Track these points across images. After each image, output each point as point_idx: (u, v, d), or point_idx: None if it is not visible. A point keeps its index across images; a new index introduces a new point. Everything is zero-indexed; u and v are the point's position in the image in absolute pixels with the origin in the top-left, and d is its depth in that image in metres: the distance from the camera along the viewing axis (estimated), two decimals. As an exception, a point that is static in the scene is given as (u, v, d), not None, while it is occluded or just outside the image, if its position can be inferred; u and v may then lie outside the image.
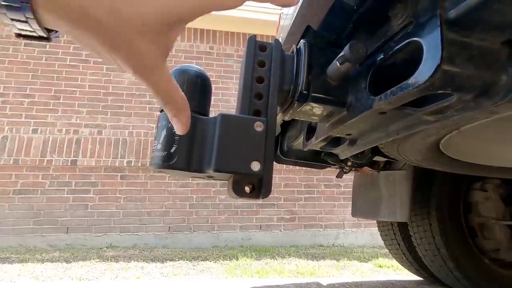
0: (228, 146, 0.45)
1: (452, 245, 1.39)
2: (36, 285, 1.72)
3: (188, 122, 0.34)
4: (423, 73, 0.37)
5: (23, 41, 3.44)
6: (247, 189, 0.48)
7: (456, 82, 0.37)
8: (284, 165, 3.62)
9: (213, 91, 0.55)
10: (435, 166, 1.02)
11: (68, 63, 3.48)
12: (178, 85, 0.31)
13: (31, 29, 0.25)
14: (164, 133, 0.47)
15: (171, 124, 0.48)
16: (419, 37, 0.39)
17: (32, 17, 0.24)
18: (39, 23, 0.24)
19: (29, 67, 3.40)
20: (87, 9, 0.23)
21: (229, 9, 0.29)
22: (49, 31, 0.26)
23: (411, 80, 0.39)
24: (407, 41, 0.41)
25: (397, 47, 0.43)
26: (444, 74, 0.36)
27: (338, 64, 0.47)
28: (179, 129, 0.34)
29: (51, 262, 2.33)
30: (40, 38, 0.27)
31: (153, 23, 0.26)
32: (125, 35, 0.25)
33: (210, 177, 0.51)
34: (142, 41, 0.26)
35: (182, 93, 0.32)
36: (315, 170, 3.68)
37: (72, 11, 0.23)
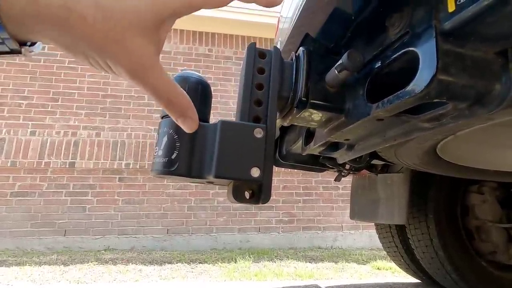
0: (228, 153, 0.46)
1: (449, 247, 1.40)
2: (33, 288, 1.71)
3: (196, 117, 0.30)
4: (419, 83, 0.38)
5: (22, 43, 3.44)
6: (247, 194, 0.49)
7: (451, 91, 0.38)
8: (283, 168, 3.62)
9: (212, 93, 0.56)
10: (432, 169, 1.03)
11: (66, 65, 3.48)
12: (176, 83, 0.29)
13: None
14: (165, 139, 0.48)
15: (172, 131, 0.49)
16: (415, 47, 0.40)
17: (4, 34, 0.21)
18: (12, 34, 0.21)
19: (27, 69, 3.39)
20: (70, 4, 0.21)
21: (219, 7, 0.27)
22: (22, 45, 0.23)
23: (408, 89, 0.39)
24: (403, 50, 0.42)
25: (394, 56, 0.44)
26: (439, 84, 0.37)
27: (336, 71, 0.48)
28: (189, 127, 0.30)
29: (49, 265, 2.32)
30: (11, 52, 0.23)
31: (147, 17, 0.23)
32: (115, 33, 0.22)
33: (210, 182, 0.52)
34: (135, 38, 0.23)
35: (183, 90, 0.29)
36: (313, 172, 3.68)
37: (55, 10, 0.21)
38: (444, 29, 0.37)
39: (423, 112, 0.46)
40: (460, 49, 0.37)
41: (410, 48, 0.40)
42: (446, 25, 0.36)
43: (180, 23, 3.77)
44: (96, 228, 3.16)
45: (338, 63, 0.47)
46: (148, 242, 3.23)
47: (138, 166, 3.37)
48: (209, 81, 0.55)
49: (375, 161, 1.09)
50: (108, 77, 3.56)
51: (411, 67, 0.41)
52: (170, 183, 3.40)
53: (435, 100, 0.39)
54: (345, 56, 0.45)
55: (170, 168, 0.46)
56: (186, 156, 0.46)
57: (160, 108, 0.39)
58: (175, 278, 2.00)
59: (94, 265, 2.34)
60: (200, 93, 0.52)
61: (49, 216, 3.09)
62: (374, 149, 0.65)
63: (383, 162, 1.16)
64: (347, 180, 2.49)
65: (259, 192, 0.48)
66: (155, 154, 0.48)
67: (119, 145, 3.39)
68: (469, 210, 1.51)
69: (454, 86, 0.37)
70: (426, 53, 0.38)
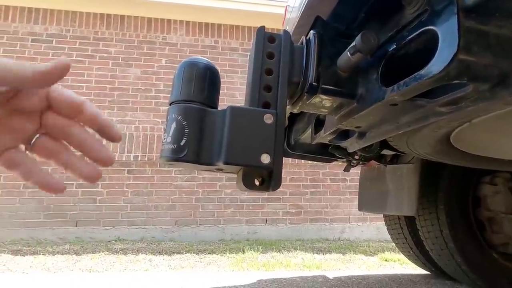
0: (238, 139, 0.45)
1: (460, 239, 1.38)
2: (47, 276, 1.76)
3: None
4: (438, 63, 0.36)
5: (30, 37, 3.47)
6: (257, 182, 0.48)
7: (472, 72, 0.36)
8: (290, 159, 3.61)
9: (220, 79, 0.54)
10: (445, 159, 1.01)
11: (74, 58, 3.50)
12: None
13: None
14: (173, 126, 0.47)
15: (181, 117, 0.48)
16: (434, 26, 0.38)
17: None
18: None
19: (36, 62, 3.42)
20: None
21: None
22: None
23: (426, 70, 0.38)
24: (421, 30, 0.40)
25: (411, 36, 0.42)
26: (460, 63, 0.35)
27: (349, 54, 0.47)
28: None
29: (62, 254, 2.38)
30: None
31: None
32: None
33: (219, 169, 0.51)
34: None
35: None
36: (320, 164, 3.66)
37: None
38: (467, 5, 0.35)
39: (439, 97, 0.44)
40: (483, 26, 0.35)
41: (429, 27, 0.38)
42: (469, 0, 0.34)
43: (186, 15, 3.74)
44: (106, 219, 3.22)
45: (352, 45, 0.45)
46: (157, 233, 3.28)
47: (146, 159, 3.40)
48: (219, 71, 0.54)
49: (384, 151, 1.07)
50: (116, 70, 3.57)
51: (428, 48, 0.39)
52: (178, 175, 3.43)
53: (454, 82, 0.37)
54: (358, 37, 0.44)
55: (179, 154, 0.45)
56: (195, 143, 0.46)
57: (167, 100, 0.38)
58: (184, 268, 2.03)
59: (105, 254, 2.39)
60: (209, 79, 0.51)
61: (61, 208, 3.16)
62: (386, 136, 0.63)
63: (393, 153, 1.14)
64: (355, 172, 2.47)
65: (269, 179, 0.47)
66: (163, 141, 0.47)
67: (127, 137, 3.42)
68: (481, 201, 1.48)
69: (476, 65, 0.35)
70: (446, 32, 0.36)
